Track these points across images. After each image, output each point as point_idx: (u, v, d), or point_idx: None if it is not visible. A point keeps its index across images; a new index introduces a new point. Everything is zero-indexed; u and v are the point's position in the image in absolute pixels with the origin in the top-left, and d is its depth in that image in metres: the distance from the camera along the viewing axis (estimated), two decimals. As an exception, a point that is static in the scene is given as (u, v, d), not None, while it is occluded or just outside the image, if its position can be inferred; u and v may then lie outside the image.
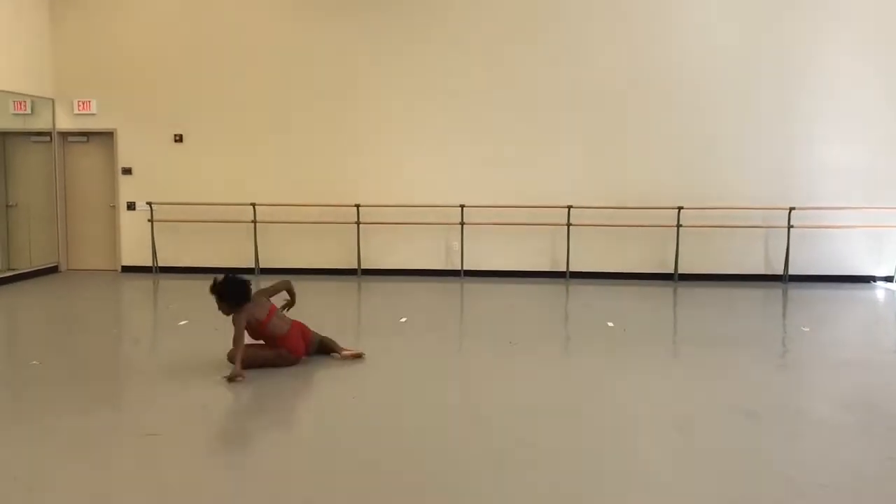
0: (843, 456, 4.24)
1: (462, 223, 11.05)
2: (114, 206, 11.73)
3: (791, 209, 10.72)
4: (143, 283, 10.91)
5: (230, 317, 5.96)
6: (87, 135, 11.73)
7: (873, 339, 7.80)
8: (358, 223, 11.16)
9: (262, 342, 6.15)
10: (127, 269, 11.73)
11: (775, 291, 10.34)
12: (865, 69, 10.80)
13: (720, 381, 5.83)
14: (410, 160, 11.27)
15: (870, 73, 10.79)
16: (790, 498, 3.67)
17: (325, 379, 5.93)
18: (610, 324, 7.93)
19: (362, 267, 11.30)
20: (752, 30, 10.85)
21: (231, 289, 5.96)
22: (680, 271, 11.02)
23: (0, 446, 4.34)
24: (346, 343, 6.54)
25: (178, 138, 11.50)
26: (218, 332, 7.27)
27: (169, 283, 10.85)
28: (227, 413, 5.15)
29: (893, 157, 10.85)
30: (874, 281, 11.00)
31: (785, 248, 10.87)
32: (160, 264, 11.55)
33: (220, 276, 6.06)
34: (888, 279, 10.98)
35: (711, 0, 10.89)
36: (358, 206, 11.14)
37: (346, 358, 6.33)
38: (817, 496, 3.69)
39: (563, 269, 11.17)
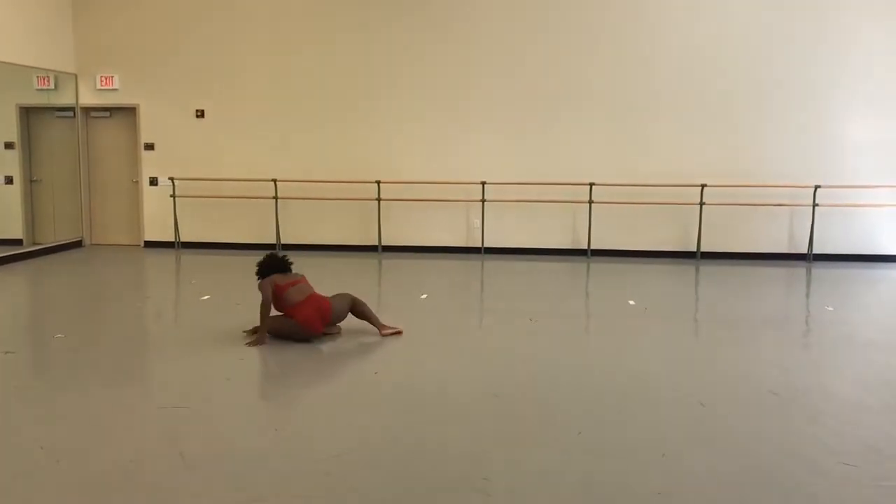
0: (865, 436, 4.21)
1: (483, 200, 11.01)
2: (136, 182, 11.81)
3: (816, 187, 10.58)
4: (165, 258, 10.99)
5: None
6: (109, 110, 11.79)
7: (898, 319, 7.70)
8: (379, 199, 11.16)
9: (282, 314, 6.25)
10: (150, 245, 11.83)
11: (799, 270, 10.24)
12: (885, 42, 10.58)
13: (742, 360, 5.79)
14: (432, 137, 11.23)
15: (892, 46, 10.60)
16: (812, 477, 3.65)
17: (345, 355, 5.95)
18: (631, 302, 7.89)
19: (383, 244, 11.31)
20: (777, 3, 10.65)
21: (261, 261, 6.40)
22: (703, 250, 10.94)
23: (27, 419, 4.40)
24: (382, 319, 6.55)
25: (200, 114, 11.53)
26: (240, 306, 7.34)
27: (191, 259, 10.93)
28: (249, 384, 5.19)
29: (922, 135, 10.67)
30: (901, 260, 10.86)
31: (809, 226, 10.75)
32: (182, 240, 11.63)
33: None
34: (915, 258, 10.83)
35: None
36: (379, 182, 11.13)
37: (386, 335, 6.35)
38: (839, 475, 3.66)
39: (585, 246, 11.12)
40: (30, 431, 4.18)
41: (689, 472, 3.70)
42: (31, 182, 11.13)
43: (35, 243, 11.05)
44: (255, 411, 4.66)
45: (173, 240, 11.64)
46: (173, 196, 11.49)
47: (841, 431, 4.28)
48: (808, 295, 8.88)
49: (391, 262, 10.57)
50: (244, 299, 7.55)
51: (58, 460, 3.79)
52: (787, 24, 10.66)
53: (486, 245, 11.21)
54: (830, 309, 7.81)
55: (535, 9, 10.94)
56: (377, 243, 11.31)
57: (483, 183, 11.00)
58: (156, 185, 11.69)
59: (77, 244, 11.79)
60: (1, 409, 4.55)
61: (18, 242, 10.82)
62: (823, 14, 10.61)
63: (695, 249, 10.95)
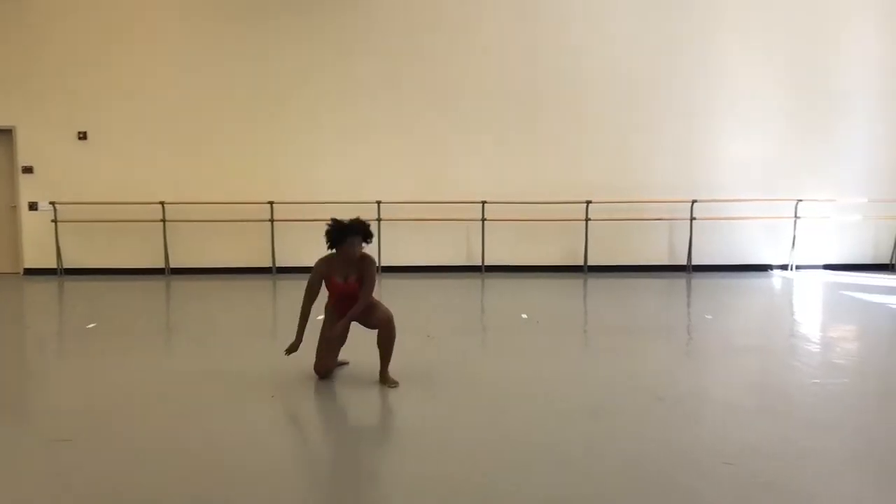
0: (744, 436, 4.49)
1: (379, 219, 11.09)
2: (14, 207, 11.29)
3: (693, 202, 11.17)
4: (46, 285, 10.53)
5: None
6: (-18, 132, 11.25)
7: (770, 325, 8.22)
8: (272, 220, 11.07)
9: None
10: (30, 272, 11.31)
11: (680, 281, 10.77)
12: (760, 66, 11.35)
13: (628, 367, 6.05)
14: (325, 157, 11.24)
15: (765, 70, 11.35)
16: (694, 478, 3.87)
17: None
18: (524, 315, 8.12)
19: (277, 265, 11.21)
20: (656, 28, 11.25)
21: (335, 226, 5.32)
22: (590, 263, 11.35)
23: None
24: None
25: (83, 136, 11.15)
26: (128, 336, 7.14)
27: (74, 285, 10.52)
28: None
29: (786, 151, 11.45)
30: (771, 269, 11.57)
31: (688, 239, 11.32)
32: (65, 266, 11.18)
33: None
34: (784, 267, 11.56)
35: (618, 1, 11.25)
36: (272, 203, 11.04)
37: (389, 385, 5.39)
38: (720, 475, 3.90)
39: (479, 262, 11.35)
40: None
41: (575, 474, 3.86)
42: None
43: None
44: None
45: (55, 266, 11.16)
46: (55, 221, 11.04)
47: (721, 433, 4.55)
48: (688, 304, 9.35)
49: (286, 283, 10.49)
50: (132, 327, 7.34)
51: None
52: (667, 49, 11.27)
53: (382, 264, 11.27)
54: (709, 317, 8.26)
55: (435, 28, 11.17)
56: (271, 265, 11.21)
57: (378, 202, 11.07)
58: (36, 209, 11.21)
59: (-51, 273, 11.17)
60: None
61: None
62: (702, 38, 11.29)
63: (582, 263, 11.35)
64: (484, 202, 11.06)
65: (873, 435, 4.53)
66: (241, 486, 3.74)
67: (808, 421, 4.76)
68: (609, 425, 4.67)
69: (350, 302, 5.40)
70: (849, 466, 4.05)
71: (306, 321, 5.42)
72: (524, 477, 3.87)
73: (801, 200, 11.28)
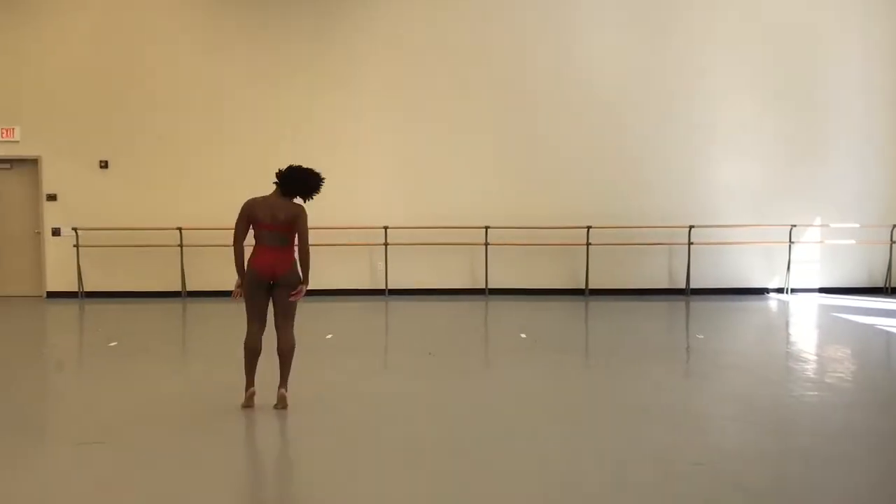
0: (718, 442, 4.87)
1: (386, 244, 11.51)
2: (38, 232, 11.81)
3: (691, 227, 11.55)
4: (69, 307, 11.02)
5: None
6: (10, 161, 11.79)
7: (760, 346, 8.58)
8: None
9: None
10: (52, 295, 11.79)
11: (678, 304, 11.13)
12: (753, 94, 11.79)
13: (619, 382, 6.44)
14: (335, 184, 11.64)
15: (758, 98, 11.79)
16: (665, 479, 4.25)
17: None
18: (523, 335, 8.51)
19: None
20: (651, 60, 11.71)
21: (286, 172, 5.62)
22: (591, 287, 11.72)
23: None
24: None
25: (104, 164, 11.68)
26: (148, 352, 7.57)
27: (94, 308, 10.99)
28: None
29: (780, 178, 11.84)
30: (767, 293, 11.91)
31: (686, 263, 11.69)
32: (86, 289, 11.66)
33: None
34: (779, 290, 11.91)
35: (612, 33, 11.73)
36: (284, 229, 11.49)
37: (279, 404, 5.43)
38: (691, 475, 4.28)
39: (483, 286, 11.74)
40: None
41: (568, 480, 4.25)
42: (-74, 234, 11.02)
43: (-69, 296, 10.90)
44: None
45: (77, 290, 11.64)
46: (76, 246, 11.54)
47: (696, 439, 4.93)
48: (685, 326, 9.74)
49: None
50: (151, 345, 7.77)
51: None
52: (665, 82, 11.72)
53: (389, 287, 11.69)
54: (700, 337, 8.63)
55: (432, 54, 11.67)
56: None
57: (386, 227, 11.52)
58: (58, 235, 11.72)
59: (-24, 296, 11.66)
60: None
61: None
62: (697, 68, 11.73)
63: (584, 287, 11.73)
64: (487, 227, 11.48)
65: (839, 441, 4.90)
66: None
67: (775, 429, 5.15)
68: (593, 435, 5.05)
69: (274, 241, 5.47)
70: (814, 469, 4.43)
71: (240, 259, 5.55)
72: (506, 487, 4.27)
73: (794, 226, 11.65)
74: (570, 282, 11.86)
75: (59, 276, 11.78)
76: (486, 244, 11.54)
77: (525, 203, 11.69)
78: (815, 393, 6.05)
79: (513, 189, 11.73)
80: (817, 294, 11.92)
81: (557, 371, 6.93)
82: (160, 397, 5.83)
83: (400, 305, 10.94)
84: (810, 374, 6.76)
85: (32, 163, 11.75)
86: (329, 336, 8.49)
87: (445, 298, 11.49)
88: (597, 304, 11.03)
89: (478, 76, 11.72)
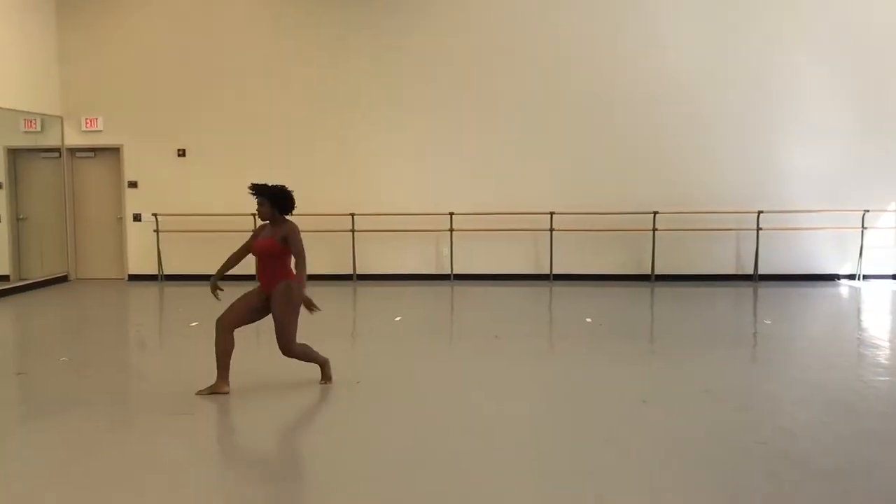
0: (783, 423, 4.93)
1: (451, 230, 11.70)
2: (120, 218, 12.35)
3: (759, 212, 11.43)
4: (149, 290, 11.54)
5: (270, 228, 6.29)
6: (94, 150, 12.36)
7: (829, 331, 8.51)
8: (353, 231, 11.81)
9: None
10: (133, 278, 12.34)
11: (745, 290, 11.05)
12: (829, 78, 11.55)
13: (685, 366, 6.51)
14: (404, 169, 11.93)
15: (834, 82, 11.55)
16: (729, 455, 4.34)
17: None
18: (588, 319, 8.61)
19: (358, 272, 11.94)
20: (723, 42, 11.56)
21: (277, 190, 6.39)
22: (657, 272, 11.70)
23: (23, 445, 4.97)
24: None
25: (182, 153, 12.15)
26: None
27: (174, 290, 11.48)
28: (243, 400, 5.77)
29: (854, 162, 11.60)
30: (838, 279, 11.72)
31: (754, 249, 11.58)
32: (165, 272, 12.16)
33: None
34: (851, 277, 11.70)
35: (686, 16, 11.62)
36: (353, 214, 11.79)
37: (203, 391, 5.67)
38: (753, 452, 4.36)
39: (547, 271, 11.84)
40: (26, 456, 4.73)
41: (636, 456, 4.38)
42: (17, 220, 11.63)
43: (21, 279, 11.50)
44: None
45: (156, 273, 12.16)
46: (156, 231, 12.04)
47: (758, 419, 5.00)
48: (753, 312, 9.68)
49: (367, 290, 11.20)
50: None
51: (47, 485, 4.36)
52: (735, 64, 11.57)
53: (455, 272, 11.88)
54: (768, 322, 8.60)
55: (501, 48, 11.77)
56: (352, 272, 11.94)
57: (451, 214, 11.70)
58: (139, 220, 12.24)
59: (63, 279, 12.26)
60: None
61: (5, 278, 11.28)
62: (768, 49, 11.53)
63: (649, 272, 11.72)
64: (552, 213, 11.56)
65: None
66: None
67: (842, 411, 5.17)
68: (659, 414, 5.17)
69: (267, 259, 6.37)
70: (878, 449, 4.46)
71: (226, 265, 6.57)
72: (575, 457, 4.42)
73: (868, 210, 11.42)
74: (635, 268, 11.86)
75: (140, 260, 12.31)
76: (552, 230, 11.62)
77: (591, 190, 11.72)
78: (887, 378, 6.03)
79: (579, 175, 11.77)
80: (891, 280, 11.67)
81: (624, 355, 7.02)
82: (239, 372, 6.13)
83: (465, 290, 11.12)
84: (882, 359, 6.71)
85: (114, 151, 12.29)
86: (398, 318, 8.74)
87: (510, 283, 11.63)
88: (663, 290, 11.02)
89: (550, 66, 11.76)
